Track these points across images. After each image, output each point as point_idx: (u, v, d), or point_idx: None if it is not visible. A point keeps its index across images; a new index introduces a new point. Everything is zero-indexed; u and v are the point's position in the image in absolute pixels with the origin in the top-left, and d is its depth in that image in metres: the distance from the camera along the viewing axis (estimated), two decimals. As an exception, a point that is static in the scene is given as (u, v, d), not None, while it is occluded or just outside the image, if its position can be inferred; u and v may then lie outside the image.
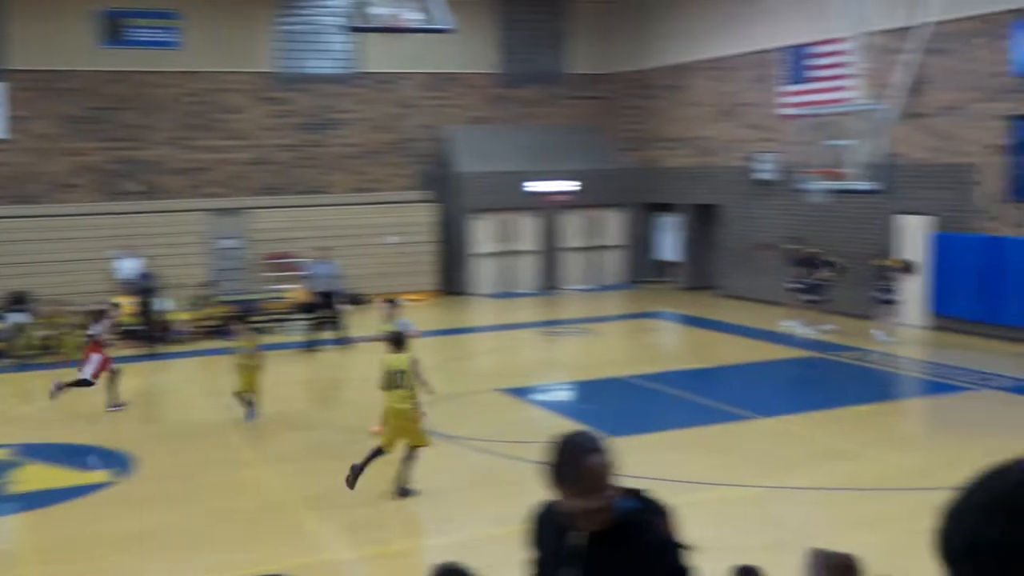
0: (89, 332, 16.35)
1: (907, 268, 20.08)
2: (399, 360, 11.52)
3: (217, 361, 20.91)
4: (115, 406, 15.97)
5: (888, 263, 20.24)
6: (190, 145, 26.98)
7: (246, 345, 15.14)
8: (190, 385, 19.07)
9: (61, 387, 15.72)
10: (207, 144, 27.13)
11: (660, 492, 11.28)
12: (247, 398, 15.06)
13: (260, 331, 20.11)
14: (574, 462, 3.43)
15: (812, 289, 21.14)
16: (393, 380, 11.39)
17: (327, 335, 21.26)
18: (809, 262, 21.34)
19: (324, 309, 21.33)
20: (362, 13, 18.05)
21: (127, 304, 22.00)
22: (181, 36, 26.50)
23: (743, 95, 26.42)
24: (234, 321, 15.02)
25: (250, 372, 15.02)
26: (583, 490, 3.42)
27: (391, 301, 15.16)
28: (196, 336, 22.34)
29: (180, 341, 22.08)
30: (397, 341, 11.76)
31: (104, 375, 15.93)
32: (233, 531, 10.67)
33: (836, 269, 21.10)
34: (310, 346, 21.04)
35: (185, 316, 22.80)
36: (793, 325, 21.53)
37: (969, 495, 1.31)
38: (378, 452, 11.42)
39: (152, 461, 13.26)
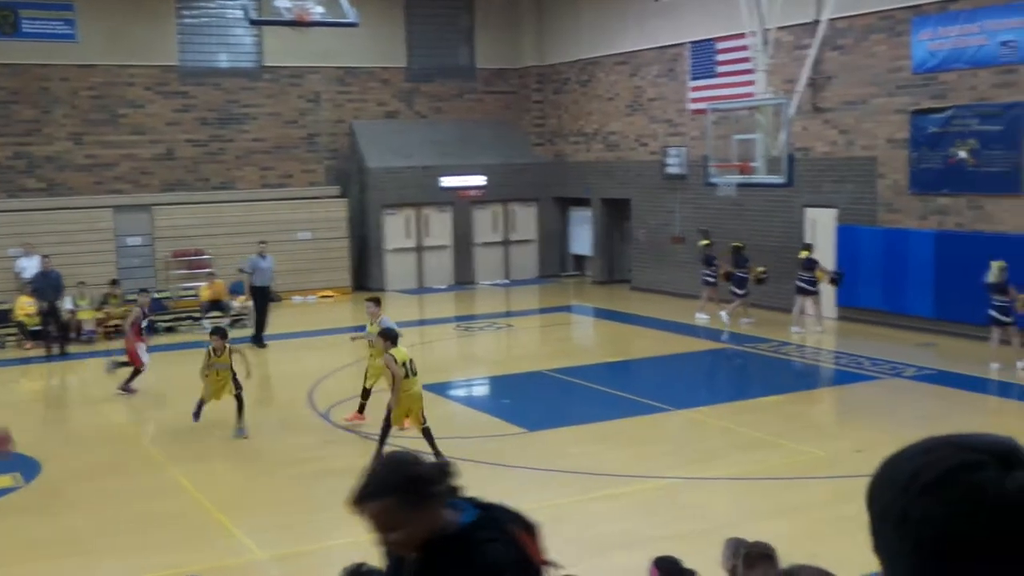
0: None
1: (834, 281, 20.30)
2: (403, 352, 12.63)
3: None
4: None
5: (818, 274, 20.30)
6: (92, 140, 26.32)
7: (223, 360, 14.45)
8: (96, 387, 18.60)
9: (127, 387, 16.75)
10: (110, 139, 26.48)
11: (579, 485, 11.25)
12: (200, 405, 14.51)
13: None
14: (358, 506, 3.32)
15: (739, 283, 21.36)
16: (408, 369, 12.49)
17: (247, 332, 20.97)
18: (738, 258, 21.55)
19: (262, 304, 21.10)
20: (265, 6, 17.81)
21: (28, 304, 21.44)
22: (78, 29, 25.80)
23: (652, 89, 26.68)
24: (215, 336, 14.39)
25: (220, 385, 14.43)
26: (373, 529, 3.30)
27: (375, 300, 14.88)
28: (103, 336, 21.83)
29: (87, 341, 21.57)
30: (393, 337, 12.81)
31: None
32: (147, 535, 10.44)
33: (751, 270, 21.29)
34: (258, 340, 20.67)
35: (90, 315, 22.27)
36: (705, 318, 21.78)
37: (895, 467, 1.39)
38: (386, 434, 12.44)
39: (58, 464, 12.92)
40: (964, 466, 1.34)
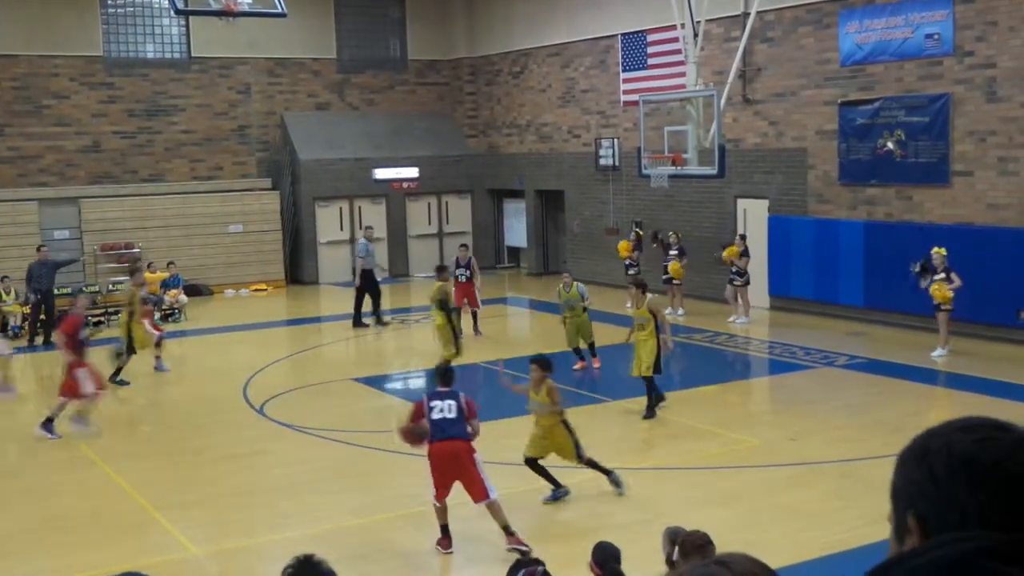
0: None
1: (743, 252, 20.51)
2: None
3: (46, 357, 20.08)
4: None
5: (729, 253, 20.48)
6: (15, 132, 25.73)
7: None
8: (20, 382, 18.20)
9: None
10: (33, 131, 25.92)
11: (517, 477, 11.22)
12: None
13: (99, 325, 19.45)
14: None
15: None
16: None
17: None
18: (667, 246, 21.67)
19: (373, 286, 21.86)
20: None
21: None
22: (-2, 18, 25.19)
23: (585, 81, 26.76)
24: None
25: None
26: None
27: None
28: (29, 331, 21.37)
29: (14, 336, 21.10)
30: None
31: None
32: (79, 533, 10.26)
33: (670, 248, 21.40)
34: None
35: (16, 310, 21.79)
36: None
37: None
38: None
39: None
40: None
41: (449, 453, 9.44)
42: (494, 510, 9.46)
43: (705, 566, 1.62)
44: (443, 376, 10.08)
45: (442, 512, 9.55)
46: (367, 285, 21.69)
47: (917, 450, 1.52)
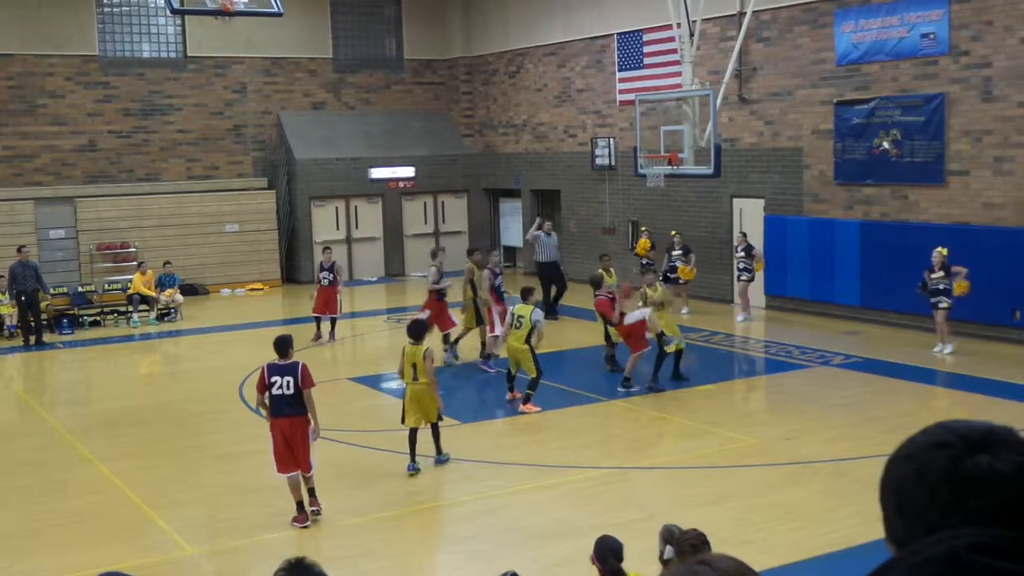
0: None
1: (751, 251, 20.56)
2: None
3: (44, 356, 20.09)
4: None
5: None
6: (10, 131, 25.68)
7: None
8: (16, 382, 18.20)
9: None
10: (29, 130, 25.88)
11: (513, 476, 11.26)
12: None
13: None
14: None
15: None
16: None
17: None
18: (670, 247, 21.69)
19: (546, 278, 21.93)
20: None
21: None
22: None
23: (581, 81, 26.76)
24: None
25: None
26: None
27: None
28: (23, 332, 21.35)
29: (9, 336, 21.08)
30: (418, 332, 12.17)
31: None
32: (74, 532, 10.24)
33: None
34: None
35: (9, 310, 21.74)
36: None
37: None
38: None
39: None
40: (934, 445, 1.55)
41: (288, 428, 10.02)
42: (306, 482, 10.18)
43: (687, 566, 1.67)
44: (280, 347, 10.27)
45: (295, 488, 10.12)
46: (541, 277, 21.88)
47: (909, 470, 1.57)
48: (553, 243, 22.40)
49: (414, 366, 11.70)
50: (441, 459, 11.91)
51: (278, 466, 10.08)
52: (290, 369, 9.98)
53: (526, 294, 15.05)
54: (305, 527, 10.02)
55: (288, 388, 9.91)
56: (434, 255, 18.85)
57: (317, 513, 10.17)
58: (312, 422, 10.17)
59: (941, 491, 1.49)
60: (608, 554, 6.42)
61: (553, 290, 22.08)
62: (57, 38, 25.93)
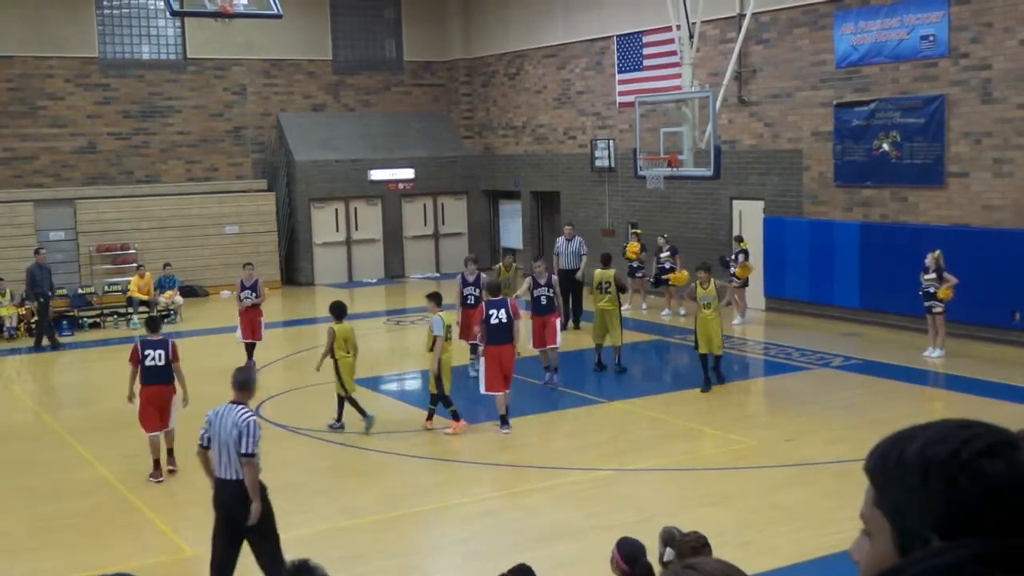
0: None
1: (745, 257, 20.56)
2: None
3: (43, 359, 20.09)
4: None
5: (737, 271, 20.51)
6: (10, 133, 25.69)
7: None
8: (16, 383, 18.20)
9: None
10: (29, 132, 25.89)
11: (513, 478, 11.23)
12: None
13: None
14: None
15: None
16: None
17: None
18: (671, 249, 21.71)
19: (564, 287, 20.56)
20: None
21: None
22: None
23: (580, 82, 26.77)
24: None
25: None
26: None
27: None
28: (25, 332, 21.36)
29: (9, 338, 21.08)
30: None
31: None
32: (75, 534, 10.24)
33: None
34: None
35: (10, 312, 21.75)
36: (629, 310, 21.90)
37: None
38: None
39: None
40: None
41: (158, 395, 11.74)
42: (167, 441, 11.86)
43: (673, 571, 1.66)
44: (151, 325, 12.34)
45: (156, 447, 11.58)
46: (560, 284, 21.13)
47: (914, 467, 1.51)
48: (574, 249, 21.19)
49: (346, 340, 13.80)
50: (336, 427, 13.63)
51: (145, 426, 11.61)
52: (162, 344, 11.80)
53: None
54: (160, 482, 11.44)
55: (160, 360, 11.69)
56: (467, 262, 18.20)
57: (172, 471, 11.78)
58: (182, 391, 11.92)
59: (943, 496, 1.43)
60: (639, 554, 6.39)
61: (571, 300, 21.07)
62: (57, 40, 25.94)
